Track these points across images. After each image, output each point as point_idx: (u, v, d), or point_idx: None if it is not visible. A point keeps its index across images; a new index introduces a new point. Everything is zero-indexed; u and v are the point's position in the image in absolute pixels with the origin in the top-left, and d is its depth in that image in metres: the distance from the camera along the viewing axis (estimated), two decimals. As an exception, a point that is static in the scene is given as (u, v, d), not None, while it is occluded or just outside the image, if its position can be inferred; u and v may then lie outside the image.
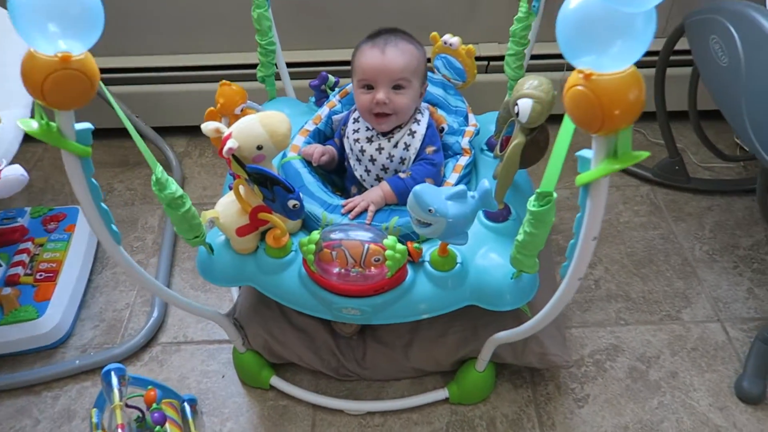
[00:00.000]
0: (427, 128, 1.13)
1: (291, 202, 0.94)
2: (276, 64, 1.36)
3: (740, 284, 1.44)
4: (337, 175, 1.26)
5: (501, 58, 1.35)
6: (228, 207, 1.02)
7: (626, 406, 1.22)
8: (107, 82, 1.75)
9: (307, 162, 1.17)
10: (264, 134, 0.96)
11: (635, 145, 0.63)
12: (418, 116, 1.14)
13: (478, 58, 1.30)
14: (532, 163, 1.04)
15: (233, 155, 0.94)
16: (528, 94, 0.96)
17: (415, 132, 1.12)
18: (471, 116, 1.25)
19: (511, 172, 1.03)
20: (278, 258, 1.03)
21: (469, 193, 0.89)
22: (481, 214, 1.07)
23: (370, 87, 1.10)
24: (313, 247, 0.96)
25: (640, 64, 0.59)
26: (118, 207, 1.68)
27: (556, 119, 0.91)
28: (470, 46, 1.25)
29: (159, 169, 0.85)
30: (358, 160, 1.15)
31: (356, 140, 1.15)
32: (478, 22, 1.73)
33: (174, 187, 0.88)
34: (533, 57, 1.34)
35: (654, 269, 1.48)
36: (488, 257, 1.01)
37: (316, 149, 1.16)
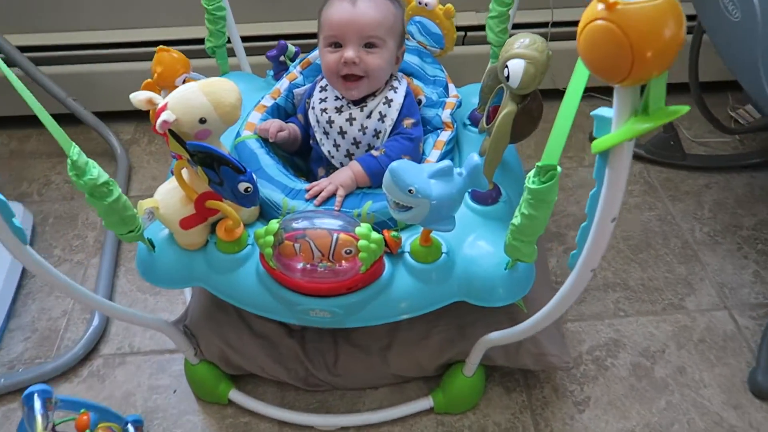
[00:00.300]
0: (405, 97, 1.00)
1: (242, 185, 0.79)
2: (229, 37, 1.20)
3: (746, 267, 1.32)
4: (301, 158, 1.11)
5: (479, 27, 1.22)
6: (169, 195, 0.86)
7: (631, 408, 1.10)
8: (40, 62, 1.60)
9: (265, 141, 1.02)
10: (207, 105, 0.80)
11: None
12: (395, 83, 1.00)
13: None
14: (524, 135, 0.92)
15: (170, 130, 0.78)
16: (519, 54, 0.84)
17: (391, 101, 0.98)
18: (451, 86, 1.11)
19: (501, 146, 0.91)
20: (231, 253, 0.89)
21: (455, 170, 0.76)
22: (467, 196, 0.94)
23: (338, 45, 0.95)
24: (271, 239, 0.81)
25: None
26: (56, 202, 1.49)
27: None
28: (449, 5, 1.11)
29: (75, 150, 0.70)
30: (326, 133, 1.00)
31: (323, 110, 1.00)
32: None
33: (95, 171, 0.73)
34: (514, 27, 1.20)
35: (653, 254, 1.36)
36: (477, 245, 0.89)
37: (273, 124, 1.01)
